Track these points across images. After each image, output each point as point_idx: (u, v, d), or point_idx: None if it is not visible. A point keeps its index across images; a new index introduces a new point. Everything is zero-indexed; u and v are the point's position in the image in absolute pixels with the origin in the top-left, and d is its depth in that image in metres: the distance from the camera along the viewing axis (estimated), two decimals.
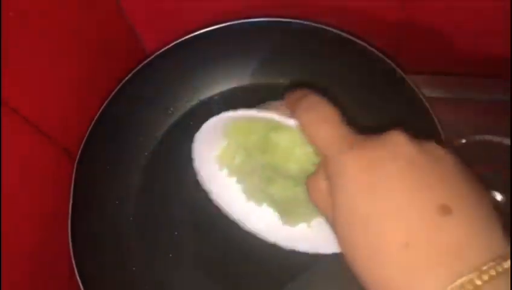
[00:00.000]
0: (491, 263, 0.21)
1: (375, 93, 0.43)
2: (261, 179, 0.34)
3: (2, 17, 0.31)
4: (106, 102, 0.42)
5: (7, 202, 0.33)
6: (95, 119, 0.41)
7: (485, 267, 0.21)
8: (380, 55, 0.41)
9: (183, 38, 0.43)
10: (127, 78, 0.43)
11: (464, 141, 0.44)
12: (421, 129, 0.39)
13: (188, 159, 0.34)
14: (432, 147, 0.25)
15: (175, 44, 0.43)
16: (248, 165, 0.34)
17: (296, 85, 0.30)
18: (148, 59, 0.43)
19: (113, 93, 0.42)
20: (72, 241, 0.38)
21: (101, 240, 0.41)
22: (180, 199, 0.43)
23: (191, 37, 0.43)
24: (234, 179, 0.36)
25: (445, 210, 0.22)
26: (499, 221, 0.23)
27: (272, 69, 0.45)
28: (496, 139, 0.44)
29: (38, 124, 0.36)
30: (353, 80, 0.43)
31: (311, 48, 0.44)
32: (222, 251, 0.41)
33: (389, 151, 0.24)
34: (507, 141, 0.43)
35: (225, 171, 0.36)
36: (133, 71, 0.43)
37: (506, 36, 0.43)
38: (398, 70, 0.41)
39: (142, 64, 0.43)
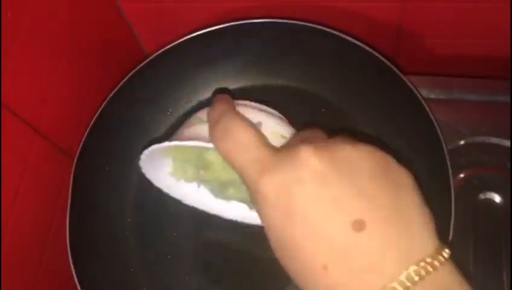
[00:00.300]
0: (410, 270, 0.21)
1: (374, 94, 0.42)
2: (216, 187, 0.35)
3: (1, 18, 0.31)
4: (105, 103, 0.42)
5: (7, 203, 0.33)
6: (93, 120, 0.41)
7: (401, 277, 0.21)
8: (379, 56, 0.41)
9: (182, 39, 0.43)
10: (126, 79, 0.43)
11: (463, 142, 0.44)
12: (420, 130, 0.39)
13: None
14: (346, 152, 0.24)
15: (174, 45, 0.43)
16: (200, 176, 0.35)
17: (219, 91, 0.30)
18: (147, 60, 0.43)
19: (112, 94, 0.42)
20: (70, 242, 0.38)
21: (99, 241, 0.41)
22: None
23: (190, 38, 0.43)
24: (195, 184, 0.37)
25: (359, 225, 0.22)
26: (424, 218, 0.23)
27: (271, 70, 0.45)
28: (496, 140, 0.43)
29: (37, 126, 0.36)
30: (352, 81, 0.43)
31: (311, 48, 0.44)
32: (221, 252, 0.41)
33: (298, 170, 0.24)
34: (507, 143, 0.43)
35: (182, 181, 0.37)
36: (132, 72, 0.43)
37: (506, 36, 0.43)
38: (397, 71, 0.41)
39: (141, 65, 0.43)
